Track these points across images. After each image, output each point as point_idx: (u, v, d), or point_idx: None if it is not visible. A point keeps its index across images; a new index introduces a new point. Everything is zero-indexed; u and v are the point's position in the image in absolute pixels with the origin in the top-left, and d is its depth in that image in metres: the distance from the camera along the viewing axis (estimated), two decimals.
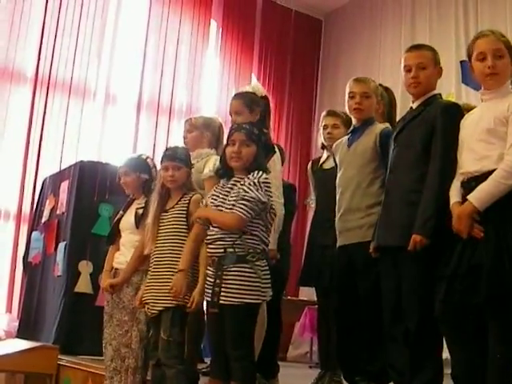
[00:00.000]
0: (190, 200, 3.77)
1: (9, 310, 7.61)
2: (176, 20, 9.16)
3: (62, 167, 7.32)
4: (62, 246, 6.00)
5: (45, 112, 8.11)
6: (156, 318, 3.71)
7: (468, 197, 2.99)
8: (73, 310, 5.71)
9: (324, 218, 4.37)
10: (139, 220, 4.10)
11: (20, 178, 7.94)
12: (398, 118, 3.94)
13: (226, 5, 9.60)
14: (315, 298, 4.96)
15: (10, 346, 5.83)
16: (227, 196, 3.36)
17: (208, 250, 3.38)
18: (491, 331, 2.89)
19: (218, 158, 3.66)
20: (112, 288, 4.10)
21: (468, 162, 3.08)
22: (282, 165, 4.39)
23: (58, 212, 6.31)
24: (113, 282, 4.12)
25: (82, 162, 6.26)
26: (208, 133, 4.45)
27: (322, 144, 4.63)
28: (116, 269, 4.20)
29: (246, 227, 3.26)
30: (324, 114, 4.68)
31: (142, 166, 4.31)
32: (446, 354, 3.33)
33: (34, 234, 6.77)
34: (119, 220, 4.30)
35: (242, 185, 3.28)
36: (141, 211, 4.11)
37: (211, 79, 9.48)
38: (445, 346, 3.36)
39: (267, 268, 3.29)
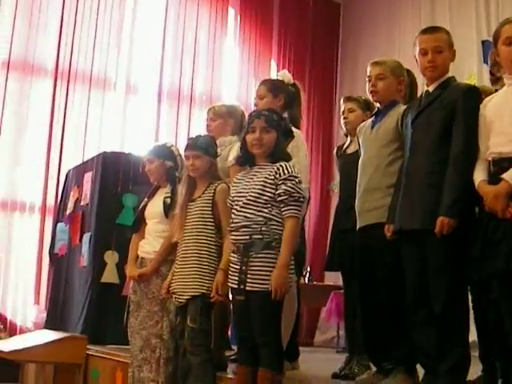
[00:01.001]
0: (215, 190, 3.78)
1: (37, 301, 7.68)
2: (194, 8, 9.13)
3: (85, 159, 7.35)
4: (86, 236, 6.04)
5: (66, 104, 8.14)
6: (183, 306, 3.73)
7: (504, 176, 2.97)
8: (99, 300, 5.75)
9: (347, 203, 4.36)
10: (168, 209, 4.11)
11: (44, 171, 7.98)
12: None
13: None
14: (341, 283, 4.96)
15: (39, 337, 5.89)
16: (249, 183, 3.38)
17: (232, 237, 3.38)
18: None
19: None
20: (140, 278, 4.12)
21: (499, 143, 3.06)
22: None
23: (82, 203, 6.35)
24: (142, 271, 4.13)
25: (104, 152, 6.29)
26: (231, 120, 4.46)
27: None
28: (142, 258, 4.21)
29: (270, 213, 3.27)
30: (341, 100, 4.69)
31: (166, 153, 4.32)
32: (472, 337, 3.32)
33: (59, 225, 6.81)
34: (144, 208, 4.31)
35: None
36: (168, 200, 4.12)
37: (231, 67, 9.45)
38: (472, 328, 3.36)
39: None
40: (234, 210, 3.40)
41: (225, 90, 9.30)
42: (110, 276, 5.76)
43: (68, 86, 8.17)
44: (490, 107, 3.21)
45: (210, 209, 3.75)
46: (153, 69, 8.85)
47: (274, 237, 3.25)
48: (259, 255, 3.25)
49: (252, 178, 3.39)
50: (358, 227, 3.81)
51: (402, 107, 3.74)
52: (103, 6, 8.47)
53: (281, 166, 3.33)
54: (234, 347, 4.40)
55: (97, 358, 5.32)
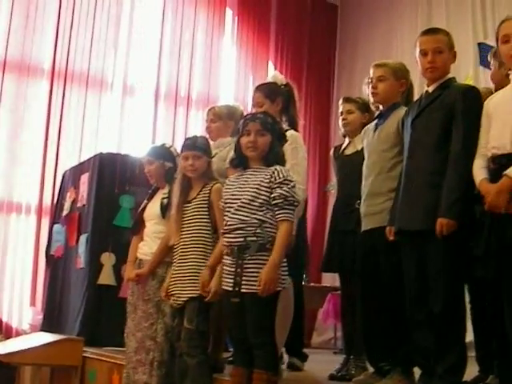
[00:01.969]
0: (211, 190, 3.77)
1: (33, 303, 7.65)
2: (191, 9, 9.11)
3: (82, 159, 7.32)
4: (83, 238, 6.02)
5: (63, 104, 8.12)
6: (180, 308, 3.72)
7: (507, 172, 2.98)
8: (96, 302, 5.74)
9: (345, 204, 4.37)
10: (165, 209, 4.10)
11: (40, 172, 7.95)
12: None
13: None
14: (338, 284, 4.96)
15: (36, 339, 5.88)
16: (244, 185, 3.37)
17: (225, 239, 3.37)
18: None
19: None
20: (138, 278, 4.11)
21: (501, 137, 3.08)
22: None
23: (78, 204, 6.34)
24: (139, 272, 4.12)
25: (101, 153, 6.28)
26: (231, 122, 4.47)
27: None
28: (140, 259, 4.20)
29: (265, 216, 3.27)
30: (340, 101, 4.69)
31: (165, 154, 4.31)
32: (469, 338, 3.32)
33: (56, 226, 6.80)
34: (144, 209, 4.30)
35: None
36: (166, 201, 4.12)
37: (228, 68, 9.43)
38: (469, 328, 3.36)
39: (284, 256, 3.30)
40: (227, 213, 3.39)
41: (222, 91, 9.28)
42: (106, 278, 5.74)
43: (65, 87, 8.15)
44: (493, 102, 3.24)
45: (206, 210, 3.75)
46: (150, 70, 8.83)
47: (268, 239, 3.25)
48: (254, 257, 3.24)
49: (246, 181, 3.38)
50: (362, 230, 3.83)
51: (404, 110, 3.75)
52: (100, 6, 8.45)
53: (276, 169, 3.33)
54: (231, 349, 4.40)
55: (93, 360, 5.31)
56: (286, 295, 3.39)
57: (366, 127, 4.08)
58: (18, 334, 7.31)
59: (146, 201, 4.34)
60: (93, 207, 5.99)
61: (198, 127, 8.46)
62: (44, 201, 7.90)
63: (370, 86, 3.91)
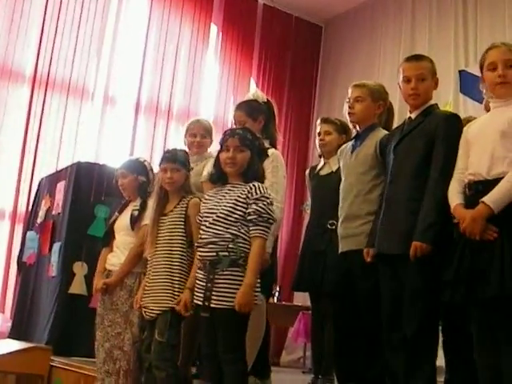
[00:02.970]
0: (188, 203, 3.77)
1: (2, 309, 7.57)
2: (176, 23, 9.14)
3: (59, 168, 7.30)
4: (56, 246, 5.99)
5: (42, 112, 8.06)
6: (152, 320, 3.70)
7: (484, 199, 2.98)
8: (66, 311, 5.70)
9: (318, 224, 4.40)
10: (135, 221, 4.10)
11: (16, 178, 7.87)
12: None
13: (227, 9, 9.58)
14: (309, 304, 4.96)
15: (2, 346, 5.81)
16: (221, 200, 3.38)
17: (199, 253, 3.38)
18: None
19: None
20: (105, 288, 4.09)
21: (479, 164, 3.09)
22: None
23: (53, 212, 6.30)
24: (106, 281, 4.11)
25: (79, 162, 6.27)
26: (211, 139, 4.52)
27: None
28: (109, 270, 4.20)
29: (239, 231, 3.27)
30: (318, 121, 4.72)
31: (139, 168, 4.31)
32: (439, 362, 3.34)
33: (29, 233, 6.75)
34: (114, 222, 4.30)
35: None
36: (136, 213, 4.12)
37: (210, 83, 9.45)
38: (439, 353, 3.38)
39: None
40: (202, 227, 3.39)
41: (203, 106, 9.30)
42: (77, 287, 5.71)
43: (45, 94, 8.09)
44: (473, 128, 3.26)
45: (182, 223, 3.74)
46: (132, 81, 8.82)
47: (240, 254, 3.25)
48: (225, 272, 3.24)
49: (224, 196, 3.39)
50: (339, 251, 3.84)
51: (382, 132, 3.78)
52: (85, 14, 8.43)
53: (254, 185, 3.33)
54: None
55: (60, 369, 5.26)
56: (257, 311, 3.39)
57: (342, 147, 4.10)
58: None
59: (116, 213, 4.34)
60: (67, 216, 5.97)
61: (177, 140, 8.41)
62: (19, 207, 7.83)
63: (347, 105, 3.94)
